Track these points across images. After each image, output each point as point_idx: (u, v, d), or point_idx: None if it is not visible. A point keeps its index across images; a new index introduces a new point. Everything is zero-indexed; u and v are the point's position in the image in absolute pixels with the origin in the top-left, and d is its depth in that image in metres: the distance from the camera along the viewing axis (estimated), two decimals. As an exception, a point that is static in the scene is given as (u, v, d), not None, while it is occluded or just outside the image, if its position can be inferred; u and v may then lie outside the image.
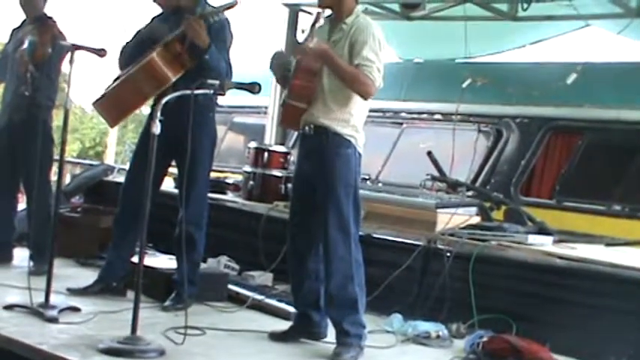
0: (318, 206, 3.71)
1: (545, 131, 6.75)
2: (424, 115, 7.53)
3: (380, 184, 6.48)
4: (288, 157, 6.00)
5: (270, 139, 7.87)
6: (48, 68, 4.80)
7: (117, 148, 17.71)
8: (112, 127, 7.42)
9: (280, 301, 4.44)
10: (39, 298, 3.82)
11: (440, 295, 4.44)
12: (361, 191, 3.85)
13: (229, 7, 4.10)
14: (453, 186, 5.73)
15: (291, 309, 4.14)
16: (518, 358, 3.70)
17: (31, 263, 4.51)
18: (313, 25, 3.72)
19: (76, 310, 3.92)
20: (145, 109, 4.66)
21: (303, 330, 3.91)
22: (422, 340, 4.06)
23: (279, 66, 3.84)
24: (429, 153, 6.01)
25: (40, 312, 3.74)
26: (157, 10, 4.52)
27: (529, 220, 5.17)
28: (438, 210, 4.96)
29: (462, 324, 4.20)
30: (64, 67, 4.80)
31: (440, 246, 4.62)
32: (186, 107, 3.71)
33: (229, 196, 6.05)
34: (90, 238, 5.30)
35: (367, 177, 6.40)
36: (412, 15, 7.25)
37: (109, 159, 15.87)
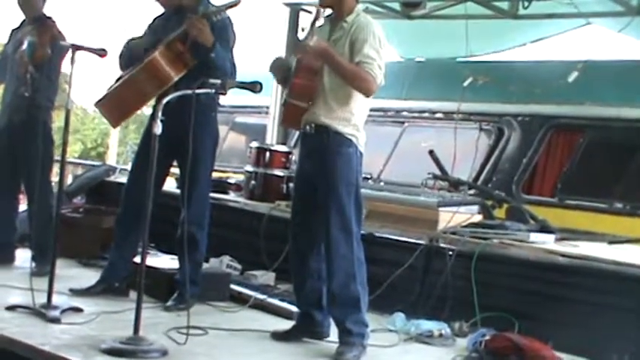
0: (319, 205, 3.71)
1: (547, 129, 6.74)
2: (426, 114, 7.53)
3: (382, 183, 6.47)
4: (290, 156, 6.01)
5: (271, 138, 7.87)
6: (47, 69, 4.79)
7: (119, 149, 17.70)
8: (114, 127, 7.42)
9: (282, 300, 4.44)
10: (41, 298, 3.82)
11: (442, 293, 4.44)
12: (363, 190, 3.85)
13: (232, 5, 4.09)
14: (455, 184, 5.73)
15: (294, 308, 4.14)
16: (521, 357, 3.69)
17: (33, 264, 4.52)
18: (313, 23, 3.71)
19: (78, 310, 3.92)
20: (147, 110, 4.67)
21: (305, 329, 3.90)
22: (424, 338, 4.06)
23: (279, 67, 3.84)
24: (431, 152, 6.01)
25: (43, 313, 3.74)
26: (159, 9, 4.52)
27: (531, 218, 5.16)
28: (440, 208, 4.96)
29: (465, 322, 4.20)
30: (65, 67, 4.81)
31: (442, 244, 4.62)
32: (188, 107, 3.71)
33: (231, 196, 6.06)
34: (92, 238, 5.31)
35: (369, 176, 6.39)
36: (413, 14, 7.25)
37: (111, 160, 15.88)
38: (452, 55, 8.11)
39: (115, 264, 4.43)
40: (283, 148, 6.27)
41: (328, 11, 3.84)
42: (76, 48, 4.00)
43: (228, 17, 4.27)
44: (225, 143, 8.39)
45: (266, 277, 4.98)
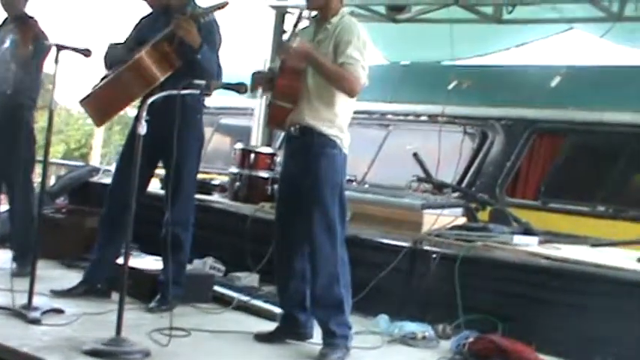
0: (303, 207, 3.71)
1: (530, 133, 6.78)
2: (410, 117, 7.55)
3: (366, 186, 6.48)
4: (275, 158, 5.99)
5: (256, 140, 7.86)
6: (30, 67, 4.76)
7: (102, 150, 17.58)
8: (98, 126, 7.37)
9: (266, 301, 4.43)
10: (22, 300, 3.78)
11: (426, 295, 4.45)
12: (347, 192, 3.86)
13: (219, 7, 4.08)
14: (439, 187, 5.75)
15: (277, 310, 4.13)
16: (504, 359, 3.71)
17: (14, 265, 4.48)
18: (296, 24, 3.73)
19: (59, 311, 3.88)
20: (132, 112, 4.64)
21: (289, 331, 3.90)
22: (408, 340, 4.06)
23: (260, 79, 3.81)
24: (415, 154, 6.02)
25: (23, 314, 3.71)
26: (146, 9, 4.50)
27: (514, 221, 5.19)
28: (424, 211, 4.98)
29: (448, 325, 4.21)
30: (49, 67, 4.78)
31: (426, 247, 4.63)
32: (173, 108, 3.70)
33: (215, 197, 6.04)
34: (75, 239, 5.26)
35: (353, 178, 6.40)
36: (398, 17, 7.26)
37: (95, 161, 15.75)
38: (437, 59, 8.15)
39: (97, 265, 4.41)
40: (268, 150, 6.26)
41: (314, 12, 3.84)
42: (60, 47, 3.97)
43: (215, 19, 4.26)
44: (209, 145, 8.36)
45: (250, 278, 4.97)
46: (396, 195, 5.38)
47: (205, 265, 5.10)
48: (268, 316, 4.27)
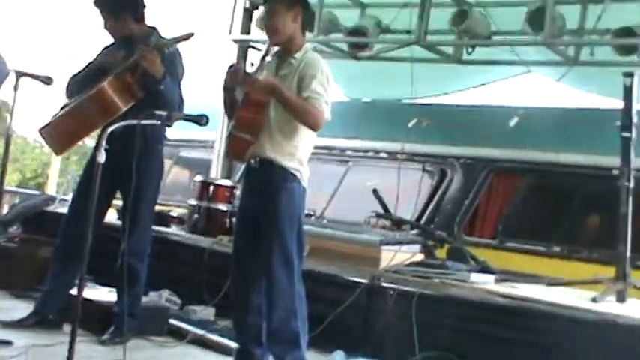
0: (262, 240, 3.69)
1: (488, 172, 6.88)
2: (370, 154, 7.61)
3: (325, 221, 6.49)
4: (234, 191, 5.97)
5: (216, 173, 7.83)
6: None
7: (59, 180, 17.33)
8: (57, 155, 7.29)
9: (222, 335, 4.39)
10: (-30, 331, 3.69)
11: (383, 332, 4.44)
12: (306, 226, 3.85)
13: (185, 38, 4.08)
14: (398, 224, 5.78)
15: (233, 344, 4.08)
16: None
17: (-36, 295, 4.37)
18: (263, 58, 3.73)
19: (7, 343, 3.79)
20: (91, 142, 4.59)
21: (244, 366, 3.85)
22: (364, 377, 4.04)
23: (237, 74, 3.73)
24: (375, 191, 6.06)
25: (-30, 345, 3.61)
26: (109, 39, 4.48)
27: (472, 258, 5.23)
28: (382, 247, 4.99)
29: (405, 361, 4.20)
30: (7, 94, 4.71)
31: (383, 283, 4.63)
32: (133, 138, 3.68)
33: (173, 229, 5.98)
34: (27, 269, 5.15)
35: (312, 213, 6.40)
36: (360, 55, 7.35)
37: (51, 190, 15.51)
38: (397, 97, 8.24)
39: (49, 295, 4.32)
40: (227, 183, 6.24)
41: (276, 48, 3.87)
42: (21, 74, 3.93)
43: (178, 50, 4.27)
44: (169, 177, 8.31)
45: (206, 311, 4.91)
46: (354, 230, 5.39)
47: (161, 298, 5.04)
48: (224, 350, 4.22)
